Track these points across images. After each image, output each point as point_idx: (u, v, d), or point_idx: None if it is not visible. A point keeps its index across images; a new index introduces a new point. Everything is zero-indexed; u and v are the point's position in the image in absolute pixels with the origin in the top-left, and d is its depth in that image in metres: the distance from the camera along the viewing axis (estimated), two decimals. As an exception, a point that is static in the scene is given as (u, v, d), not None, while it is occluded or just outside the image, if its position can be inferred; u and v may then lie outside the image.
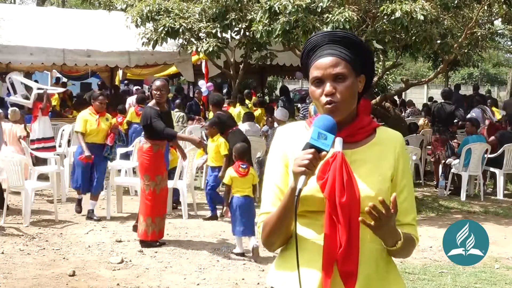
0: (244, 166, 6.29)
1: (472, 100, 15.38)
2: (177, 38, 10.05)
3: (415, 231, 2.02)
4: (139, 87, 14.80)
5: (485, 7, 9.03)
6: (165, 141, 6.65)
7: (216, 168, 7.79)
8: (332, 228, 1.87)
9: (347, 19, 7.37)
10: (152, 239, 6.52)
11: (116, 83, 17.80)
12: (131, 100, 14.05)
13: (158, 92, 6.41)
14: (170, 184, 7.96)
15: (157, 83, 6.50)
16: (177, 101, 12.73)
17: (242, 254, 6.24)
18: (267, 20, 8.09)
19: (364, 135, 1.99)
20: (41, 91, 10.87)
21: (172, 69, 16.31)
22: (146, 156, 6.44)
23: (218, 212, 7.74)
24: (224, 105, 12.36)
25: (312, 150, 1.80)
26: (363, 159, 1.96)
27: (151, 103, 6.58)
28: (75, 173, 7.81)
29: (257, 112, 12.51)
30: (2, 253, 6.14)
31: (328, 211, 1.88)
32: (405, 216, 2.00)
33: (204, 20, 9.64)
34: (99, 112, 7.74)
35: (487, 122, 12.41)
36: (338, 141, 1.92)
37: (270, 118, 11.55)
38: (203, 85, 12.89)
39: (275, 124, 10.31)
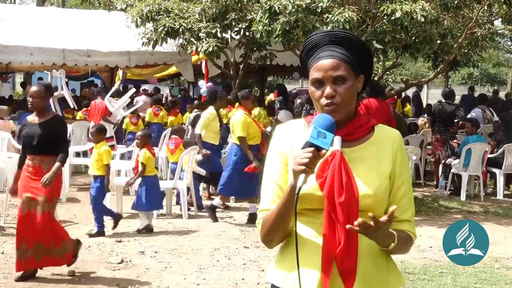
0: (155, 149, 7.62)
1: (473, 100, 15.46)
2: (177, 38, 10.04)
3: (412, 228, 2.05)
4: (146, 88, 14.74)
5: (485, 7, 9.02)
6: (36, 157, 5.37)
7: (98, 177, 6.95)
8: (331, 226, 1.89)
9: (347, 19, 7.36)
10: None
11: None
12: (136, 100, 14.07)
13: (30, 99, 5.35)
14: (170, 184, 7.98)
15: (31, 88, 5.48)
16: (196, 102, 12.61)
17: (148, 227, 7.05)
18: (267, 20, 8.09)
19: (363, 133, 2.01)
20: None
21: (172, 69, 16.33)
22: None
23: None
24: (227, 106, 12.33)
25: (312, 148, 1.82)
26: (361, 157, 1.98)
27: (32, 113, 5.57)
28: (232, 179, 7.53)
29: (255, 111, 12.37)
30: (2, 253, 6.15)
31: (327, 210, 1.90)
32: (403, 213, 2.02)
33: (204, 20, 9.63)
34: (250, 112, 7.77)
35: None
36: (337, 139, 1.94)
37: (272, 120, 11.42)
38: (203, 85, 12.85)
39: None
